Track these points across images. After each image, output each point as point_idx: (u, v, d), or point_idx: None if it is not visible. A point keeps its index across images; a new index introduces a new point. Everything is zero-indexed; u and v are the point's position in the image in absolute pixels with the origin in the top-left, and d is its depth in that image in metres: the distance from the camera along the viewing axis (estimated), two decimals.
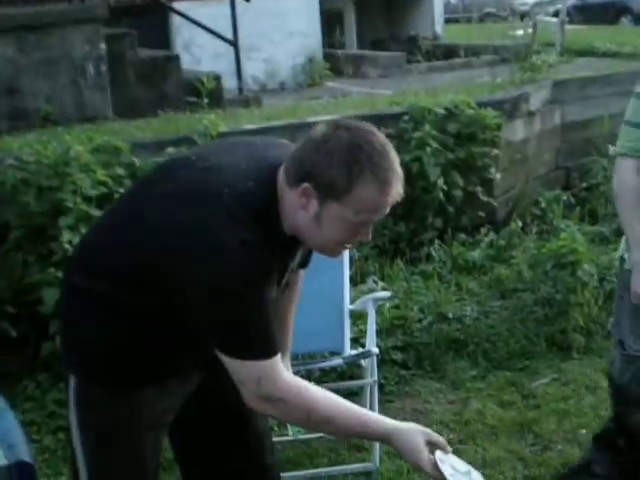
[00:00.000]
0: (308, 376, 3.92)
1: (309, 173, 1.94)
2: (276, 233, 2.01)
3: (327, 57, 11.08)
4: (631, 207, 2.89)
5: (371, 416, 2.16)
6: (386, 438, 2.11)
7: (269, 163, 2.05)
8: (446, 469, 2.08)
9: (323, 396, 2.08)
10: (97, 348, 2.13)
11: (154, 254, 1.98)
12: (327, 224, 1.97)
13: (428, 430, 2.12)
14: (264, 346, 2.00)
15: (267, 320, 2.00)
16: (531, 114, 6.68)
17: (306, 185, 1.94)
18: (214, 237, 1.92)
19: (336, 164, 1.92)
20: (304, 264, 2.37)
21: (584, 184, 6.73)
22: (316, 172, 1.93)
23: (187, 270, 1.93)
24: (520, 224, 5.91)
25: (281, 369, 2.03)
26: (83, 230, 4.12)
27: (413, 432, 2.10)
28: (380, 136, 1.98)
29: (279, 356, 2.03)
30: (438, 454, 2.09)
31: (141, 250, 2.02)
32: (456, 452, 3.65)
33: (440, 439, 2.12)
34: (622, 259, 3.03)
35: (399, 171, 1.98)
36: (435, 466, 2.07)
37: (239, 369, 2.01)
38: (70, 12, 6.75)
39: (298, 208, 1.98)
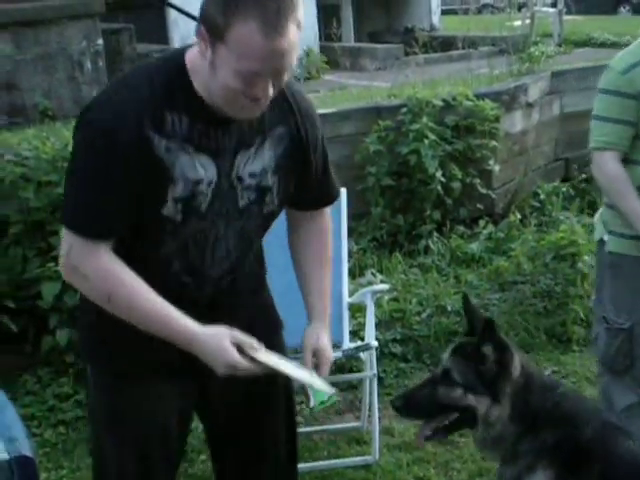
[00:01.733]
0: None
1: (201, 15, 1.88)
2: (186, 99, 1.95)
3: (324, 50, 11.05)
4: (628, 193, 3.01)
5: (177, 316, 2.00)
6: (187, 341, 2.00)
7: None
8: (267, 357, 2.00)
9: (131, 283, 1.99)
10: (92, 330, 2.18)
11: None
12: (220, 71, 1.87)
13: (235, 332, 2.01)
14: (83, 220, 1.97)
15: (102, 196, 1.94)
16: (529, 105, 6.68)
17: (200, 28, 1.87)
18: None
19: None
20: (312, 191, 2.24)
21: (583, 175, 6.72)
22: (203, 11, 1.87)
23: None
24: (519, 216, 5.92)
25: (98, 250, 1.97)
26: None
27: (218, 333, 2.00)
28: None
29: (103, 241, 1.97)
30: (250, 351, 1.99)
31: None
32: (457, 445, 3.70)
33: (247, 339, 2.01)
34: (601, 241, 3.19)
35: (294, 18, 1.82)
36: (252, 360, 1.98)
37: (63, 230, 2.02)
38: (67, 7, 6.73)
39: (201, 60, 1.90)
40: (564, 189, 6.54)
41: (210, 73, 1.90)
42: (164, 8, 9.83)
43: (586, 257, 4.80)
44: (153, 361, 2.13)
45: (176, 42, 9.94)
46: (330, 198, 2.32)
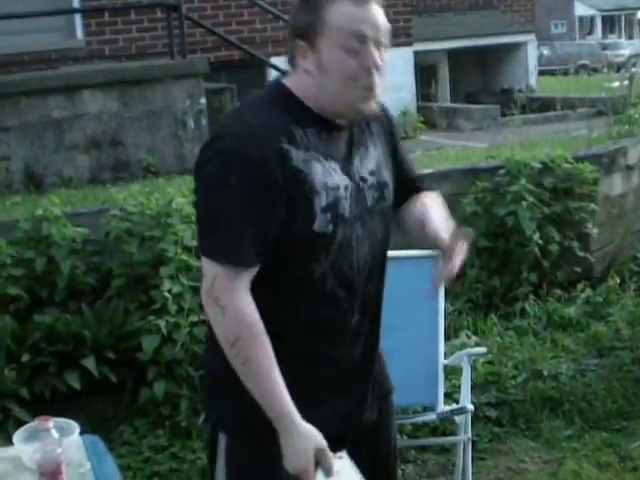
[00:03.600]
0: (400, 430, 3.91)
1: (292, 31, 2.05)
2: (305, 115, 2.04)
3: (421, 110, 11.13)
4: None
5: (287, 396, 1.95)
6: (284, 420, 1.95)
7: None
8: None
9: (261, 338, 1.95)
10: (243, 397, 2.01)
11: None
12: (330, 65, 1.99)
13: (324, 443, 1.96)
14: (226, 250, 1.95)
15: (243, 224, 1.95)
16: (629, 168, 6.58)
17: (296, 42, 2.02)
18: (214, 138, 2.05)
19: (300, 5, 2.04)
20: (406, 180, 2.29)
21: None
22: (294, 25, 2.05)
23: None
24: (618, 280, 5.79)
25: (241, 285, 1.95)
26: (183, 280, 4.23)
27: (312, 434, 1.96)
28: None
29: (246, 271, 1.96)
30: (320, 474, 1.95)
31: None
32: None
33: (330, 456, 1.96)
34: None
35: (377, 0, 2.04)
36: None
37: (204, 264, 2.01)
38: (172, 67, 6.98)
39: (306, 76, 2.03)
40: None
41: (320, 79, 2.01)
42: (265, 68, 10.05)
43: None
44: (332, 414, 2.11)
45: None
46: (420, 182, 2.38)
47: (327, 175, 2.02)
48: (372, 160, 2.15)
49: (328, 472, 1.96)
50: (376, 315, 2.22)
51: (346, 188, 2.05)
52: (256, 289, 1.99)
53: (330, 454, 1.97)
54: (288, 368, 1.97)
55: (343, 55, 1.97)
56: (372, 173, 2.13)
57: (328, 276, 2.05)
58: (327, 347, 2.10)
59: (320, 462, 1.96)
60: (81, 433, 2.41)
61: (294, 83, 2.07)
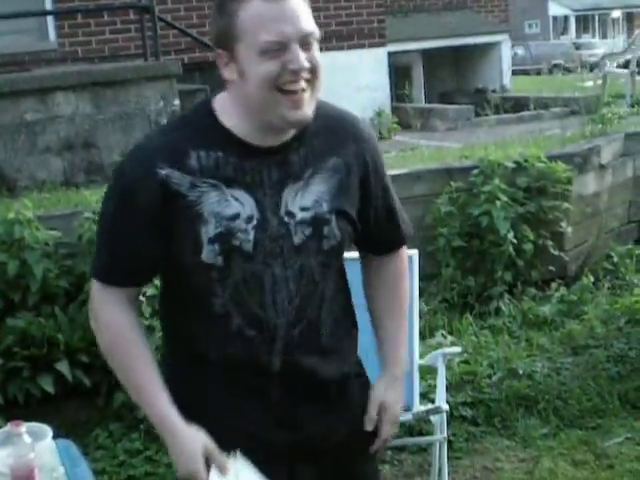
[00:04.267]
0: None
1: (212, 40, 1.93)
2: (217, 136, 1.92)
3: (395, 111, 11.16)
4: None
5: (165, 398, 1.95)
6: (165, 428, 1.94)
7: None
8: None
9: (132, 346, 1.98)
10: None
11: None
12: (250, 71, 1.84)
13: (210, 444, 1.92)
14: (100, 265, 2.00)
15: (114, 243, 1.97)
16: (602, 167, 6.63)
17: (217, 51, 1.90)
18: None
19: (215, 12, 1.89)
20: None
21: None
22: (212, 33, 1.93)
23: None
24: (592, 279, 5.84)
25: (112, 299, 1.97)
26: (157, 282, 4.19)
27: (197, 437, 1.93)
28: None
29: (117, 288, 1.97)
30: (214, 473, 1.90)
31: None
32: None
33: (219, 456, 1.91)
34: None
35: None
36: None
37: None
38: (145, 69, 6.95)
39: (232, 88, 1.91)
40: (638, 252, 6.44)
41: (243, 88, 1.86)
42: None
43: None
44: (245, 434, 2.00)
45: None
46: (399, 238, 2.20)
47: (222, 203, 1.89)
48: (310, 195, 1.95)
49: (222, 470, 1.90)
50: (324, 356, 2.05)
51: (249, 219, 1.90)
52: (174, 320, 2.07)
53: (219, 453, 1.92)
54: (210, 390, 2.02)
55: (261, 58, 1.81)
56: (305, 209, 1.94)
57: (233, 313, 1.94)
58: (248, 381, 2.02)
59: (212, 461, 1.92)
60: (54, 437, 2.40)
61: (220, 100, 1.96)
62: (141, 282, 2.05)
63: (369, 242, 2.16)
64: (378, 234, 2.13)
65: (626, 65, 12.75)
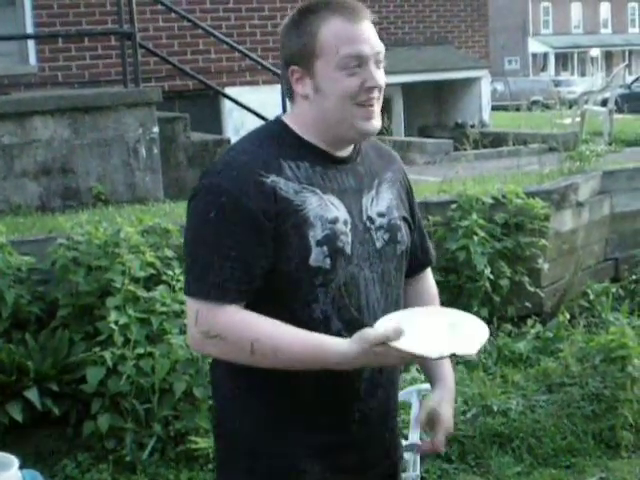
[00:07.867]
0: None
1: (284, 58, 2.01)
2: (298, 148, 2.00)
3: None
4: None
5: (326, 338, 1.89)
6: (336, 359, 1.86)
7: None
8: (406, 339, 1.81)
9: (271, 322, 1.88)
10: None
11: None
12: (328, 86, 1.96)
13: (366, 334, 1.84)
14: (206, 286, 1.89)
15: (222, 259, 1.89)
16: (580, 204, 6.65)
17: (290, 68, 1.99)
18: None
19: (290, 31, 1.99)
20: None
21: (634, 276, 6.65)
22: (286, 51, 2.00)
23: None
24: (568, 316, 5.82)
25: (226, 309, 1.89)
26: (130, 311, 4.15)
27: (361, 337, 1.84)
28: None
29: (229, 305, 1.89)
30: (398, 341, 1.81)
31: None
32: None
33: (379, 333, 1.84)
34: None
35: (368, 16, 2.00)
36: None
37: (187, 304, 1.96)
38: (125, 95, 6.93)
39: (304, 103, 2.00)
40: (614, 290, 6.45)
41: (319, 102, 1.97)
42: (219, 98, 10.04)
43: (636, 360, 4.69)
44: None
45: (230, 132, 10.13)
46: (429, 258, 2.31)
47: (323, 207, 1.96)
48: (383, 203, 2.08)
49: (397, 334, 1.82)
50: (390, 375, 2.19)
51: (346, 223, 1.98)
52: None
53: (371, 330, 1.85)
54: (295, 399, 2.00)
55: (341, 75, 1.95)
56: (381, 215, 2.06)
57: (332, 317, 1.96)
58: (338, 396, 2.03)
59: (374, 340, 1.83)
60: (21, 467, 2.37)
61: (292, 116, 2.04)
62: (250, 297, 1.94)
63: (410, 257, 2.20)
64: (415, 251, 2.22)
65: (604, 103, 12.89)
